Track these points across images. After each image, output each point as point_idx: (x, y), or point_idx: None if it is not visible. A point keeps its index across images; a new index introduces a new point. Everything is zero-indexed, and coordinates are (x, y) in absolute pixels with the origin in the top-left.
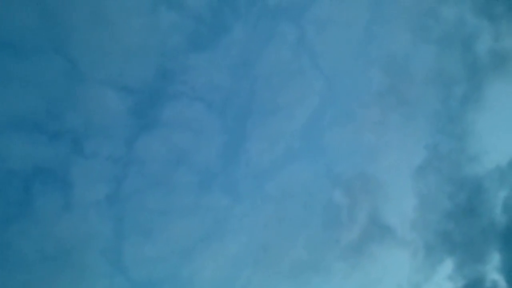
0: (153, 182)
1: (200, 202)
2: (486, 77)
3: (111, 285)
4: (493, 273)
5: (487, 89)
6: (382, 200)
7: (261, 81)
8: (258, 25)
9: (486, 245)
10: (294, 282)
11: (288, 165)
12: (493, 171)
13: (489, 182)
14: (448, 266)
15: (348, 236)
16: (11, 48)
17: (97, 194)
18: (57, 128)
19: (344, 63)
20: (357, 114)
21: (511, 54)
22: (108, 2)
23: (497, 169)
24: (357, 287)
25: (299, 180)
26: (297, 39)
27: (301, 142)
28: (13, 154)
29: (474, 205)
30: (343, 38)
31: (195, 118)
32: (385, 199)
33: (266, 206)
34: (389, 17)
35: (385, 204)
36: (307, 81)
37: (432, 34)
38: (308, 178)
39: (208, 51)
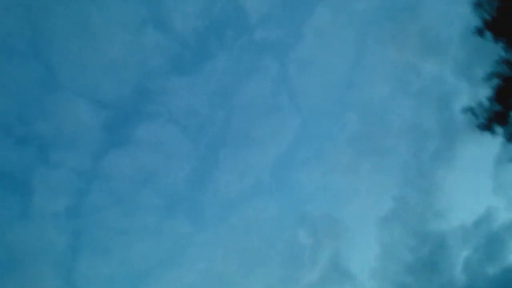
0: (116, 200)
1: (162, 226)
2: (459, 137)
3: None
4: None
5: (460, 148)
6: (345, 244)
7: (239, 112)
8: (242, 56)
9: None
10: None
11: (255, 198)
12: (457, 229)
13: (452, 240)
14: None
15: (308, 277)
16: None
17: (56, 205)
18: (25, 133)
19: (322, 104)
20: (329, 156)
21: None
22: (94, 15)
23: (461, 227)
24: None
25: (265, 215)
26: (278, 75)
27: (271, 177)
28: None
29: (435, 261)
30: (323, 80)
31: (168, 140)
32: (349, 244)
33: (228, 237)
34: (371, 66)
35: (347, 249)
36: (284, 117)
37: (411, 88)
38: (274, 214)
39: (189, 76)
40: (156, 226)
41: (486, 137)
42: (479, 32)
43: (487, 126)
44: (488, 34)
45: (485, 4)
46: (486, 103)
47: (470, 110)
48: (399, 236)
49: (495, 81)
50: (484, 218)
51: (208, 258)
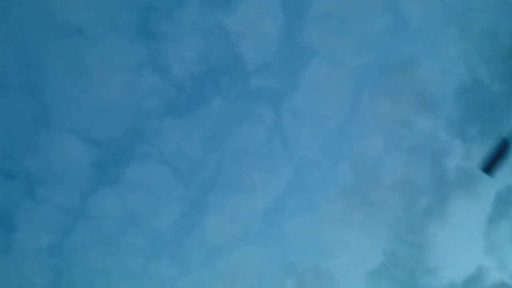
0: (101, 240)
1: (147, 268)
2: (451, 193)
3: None
4: None
5: (451, 205)
6: None
7: (231, 157)
8: (237, 102)
9: None
10: None
11: (243, 246)
12: (448, 287)
13: None
14: None
15: None
16: None
17: (40, 242)
18: (13, 168)
19: (315, 154)
20: (320, 207)
21: (479, 175)
22: (92, 53)
23: (451, 285)
24: None
25: (252, 263)
26: (273, 122)
27: (260, 225)
28: None
29: None
30: (317, 131)
31: (158, 182)
32: None
33: (214, 284)
34: (365, 119)
35: None
36: (276, 165)
37: (404, 143)
38: (262, 262)
39: (183, 119)
40: (140, 268)
41: (479, 196)
42: None
43: None
44: None
45: None
46: None
47: None
48: None
49: None
50: (475, 278)
51: None
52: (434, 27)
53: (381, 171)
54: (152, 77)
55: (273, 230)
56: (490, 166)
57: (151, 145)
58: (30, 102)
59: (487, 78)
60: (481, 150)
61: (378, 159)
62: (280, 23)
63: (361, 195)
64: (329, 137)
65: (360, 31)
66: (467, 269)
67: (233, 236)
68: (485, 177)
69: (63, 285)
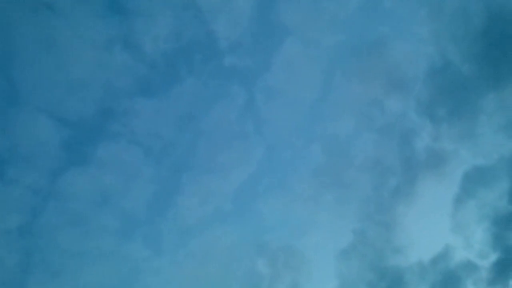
0: (71, 221)
1: (119, 249)
2: (420, 173)
3: None
4: None
5: (420, 185)
6: (304, 276)
7: (203, 137)
8: (209, 82)
9: None
10: None
11: (216, 225)
12: (415, 266)
13: (410, 276)
14: None
15: None
16: None
17: (9, 223)
18: None
19: (287, 134)
20: (292, 187)
21: (447, 155)
22: (62, 29)
23: (419, 264)
24: None
25: (225, 242)
26: (245, 102)
27: (232, 205)
28: None
29: None
30: (289, 111)
31: (130, 162)
32: (307, 275)
33: (187, 264)
34: (337, 100)
35: (306, 281)
36: (249, 145)
37: (374, 124)
38: (234, 242)
39: (155, 98)
40: (112, 249)
41: (446, 176)
42: None
43: None
44: None
45: None
46: None
47: None
48: (358, 270)
49: None
50: (441, 256)
51: (164, 285)
52: (406, 7)
53: (352, 151)
54: (123, 54)
55: (245, 210)
56: None
57: (122, 125)
58: None
59: (458, 59)
60: (450, 131)
61: (349, 139)
62: (254, 0)
63: (332, 175)
64: (301, 117)
65: (333, 10)
66: (434, 248)
67: (205, 216)
68: (454, 157)
69: (33, 266)
